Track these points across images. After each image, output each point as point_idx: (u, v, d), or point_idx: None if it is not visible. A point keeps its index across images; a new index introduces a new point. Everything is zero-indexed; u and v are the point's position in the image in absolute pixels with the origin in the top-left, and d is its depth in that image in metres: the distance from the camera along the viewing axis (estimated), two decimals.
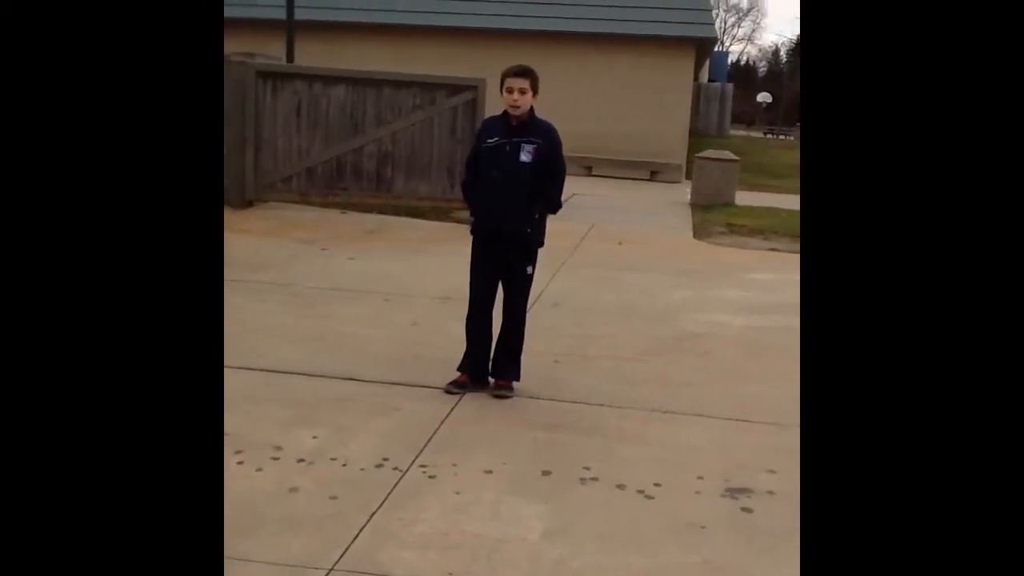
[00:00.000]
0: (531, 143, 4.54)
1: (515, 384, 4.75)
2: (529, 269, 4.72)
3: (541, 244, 4.75)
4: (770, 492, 3.71)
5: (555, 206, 4.77)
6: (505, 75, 4.54)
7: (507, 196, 4.54)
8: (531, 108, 4.57)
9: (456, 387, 4.69)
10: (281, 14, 14.45)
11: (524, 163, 4.53)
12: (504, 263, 4.69)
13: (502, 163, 4.54)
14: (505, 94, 4.53)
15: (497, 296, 4.80)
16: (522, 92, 4.49)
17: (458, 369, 4.79)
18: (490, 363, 4.79)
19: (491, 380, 4.77)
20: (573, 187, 15.25)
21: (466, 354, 4.80)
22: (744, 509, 3.55)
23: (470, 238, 4.79)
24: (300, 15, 14.74)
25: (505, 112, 4.60)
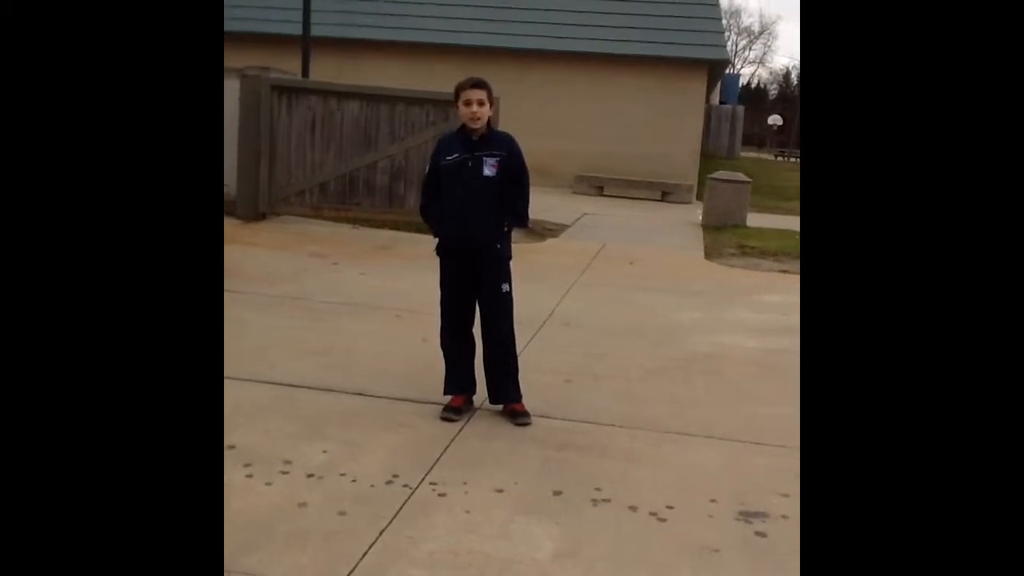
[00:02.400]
0: (493, 156, 4.42)
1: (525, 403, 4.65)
2: (505, 287, 4.58)
3: (510, 257, 4.62)
4: (784, 516, 3.66)
5: (523, 219, 4.65)
6: (461, 88, 4.42)
7: (473, 212, 4.43)
8: (488, 120, 4.45)
9: (452, 412, 4.54)
10: (297, 29, 14.51)
11: (488, 177, 4.41)
12: (477, 283, 4.56)
13: (465, 179, 4.42)
14: (463, 107, 4.39)
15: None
16: (480, 104, 4.36)
17: (446, 393, 4.65)
18: (474, 376, 4.68)
19: (501, 406, 4.64)
20: (584, 207, 15.32)
21: (448, 374, 4.67)
22: (758, 533, 3.51)
23: (432, 255, 4.67)
24: (316, 31, 14.81)
25: (463, 127, 4.48)
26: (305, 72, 13.29)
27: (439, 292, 4.67)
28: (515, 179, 4.50)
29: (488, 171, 4.42)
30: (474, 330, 4.71)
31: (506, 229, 4.57)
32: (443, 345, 4.72)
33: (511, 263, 4.64)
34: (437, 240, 4.62)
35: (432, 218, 4.63)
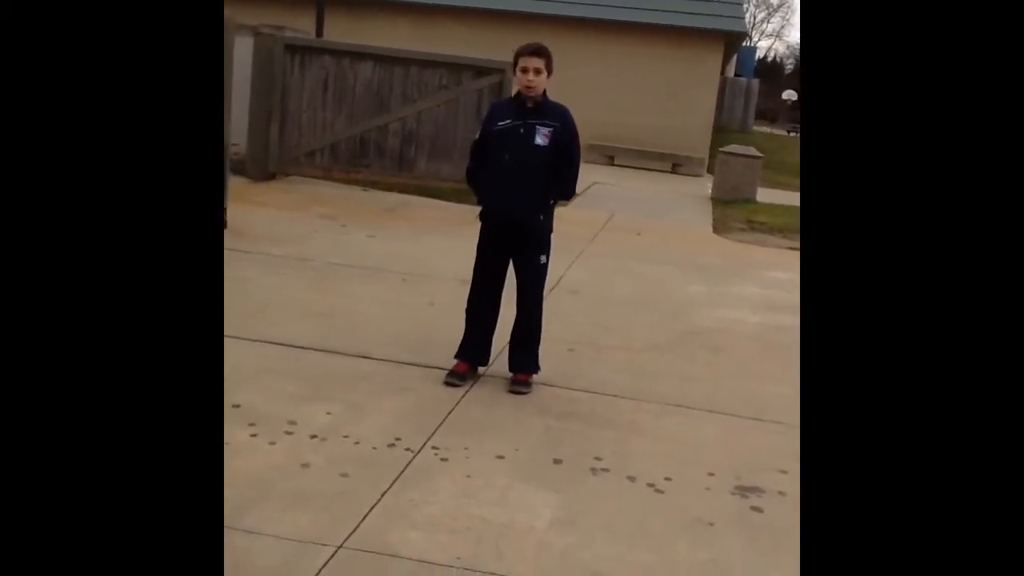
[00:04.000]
0: (547, 126, 4.36)
1: (532, 377, 4.66)
2: (543, 259, 4.56)
3: (551, 230, 4.60)
4: (781, 492, 3.70)
5: (569, 193, 4.62)
6: (520, 54, 4.37)
7: (519, 181, 4.38)
8: (544, 90, 4.41)
9: (456, 378, 4.56)
10: None
11: (539, 146, 4.35)
12: (514, 252, 4.55)
13: (514, 146, 4.36)
14: (519, 74, 4.35)
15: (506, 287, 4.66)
16: (537, 72, 4.31)
17: (456, 356, 4.66)
18: (489, 349, 4.70)
19: (509, 374, 4.66)
20: (594, 176, 15.26)
21: (464, 339, 4.68)
22: (754, 508, 3.55)
23: (475, 220, 4.68)
24: None
25: (518, 94, 4.44)
26: (319, 32, 13.22)
27: (475, 257, 4.65)
28: (565, 152, 4.44)
29: (540, 140, 4.36)
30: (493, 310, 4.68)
31: (552, 202, 4.53)
32: (467, 308, 4.71)
33: (552, 236, 4.62)
34: (480, 207, 4.60)
35: (477, 184, 4.62)
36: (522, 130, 4.37)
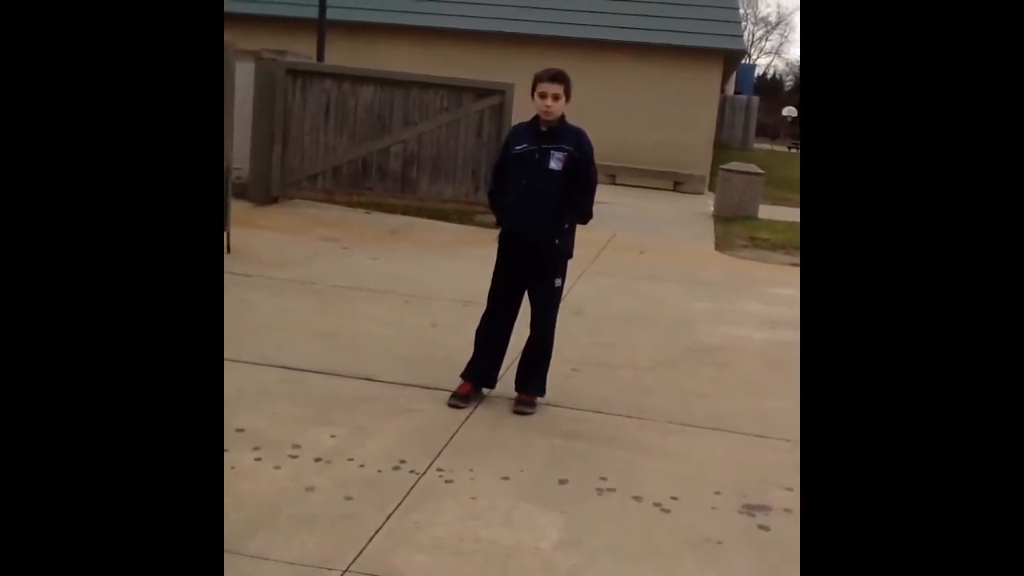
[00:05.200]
0: (561, 150, 4.38)
1: (537, 399, 4.64)
2: (558, 282, 4.57)
3: (570, 256, 4.61)
4: (787, 510, 3.68)
5: (586, 216, 4.62)
6: (539, 79, 4.38)
7: (534, 204, 4.40)
8: (562, 115, 4.43)
9: (459, 399, 4.55)
10: (313, 13, 14.52)
11: (553, 170, 4.38)
12: (530, 274, 4.55)
13: (530, 170, 4.40)
14: (538, 99, 4.37)
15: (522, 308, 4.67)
16: (555, 98, 4.33)
17: (461, 376, 4.65)
18: (497, 372, 4.69)
19: (516, 394, 4.65)
20: (597, 195, 15.26)
21: (471, 361, 4.67)
22: (761, 527, 3.53)
23: (493, 242, 4.70)
24: (332, 15, 14.81)
25: (535, 117, 4.45)
26: (320, 56, 13.30)
27: (489, 280, 4.66)
28: (581, 175, 4.47)
29: (554, 164, 4.39)
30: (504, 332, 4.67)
31: (567, 226, 4.54)
32: (478, 330, 4.70)
33: (569, 261, 4.63)
34: (500, 229, 4.63)
35: (497, 207, 4.66)
36: (537, 155, 4.40)
